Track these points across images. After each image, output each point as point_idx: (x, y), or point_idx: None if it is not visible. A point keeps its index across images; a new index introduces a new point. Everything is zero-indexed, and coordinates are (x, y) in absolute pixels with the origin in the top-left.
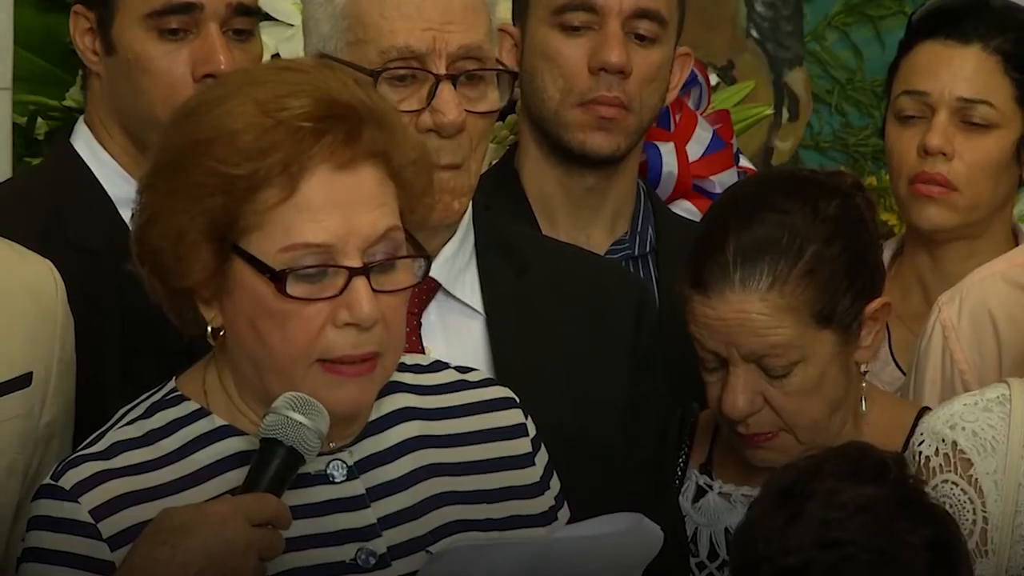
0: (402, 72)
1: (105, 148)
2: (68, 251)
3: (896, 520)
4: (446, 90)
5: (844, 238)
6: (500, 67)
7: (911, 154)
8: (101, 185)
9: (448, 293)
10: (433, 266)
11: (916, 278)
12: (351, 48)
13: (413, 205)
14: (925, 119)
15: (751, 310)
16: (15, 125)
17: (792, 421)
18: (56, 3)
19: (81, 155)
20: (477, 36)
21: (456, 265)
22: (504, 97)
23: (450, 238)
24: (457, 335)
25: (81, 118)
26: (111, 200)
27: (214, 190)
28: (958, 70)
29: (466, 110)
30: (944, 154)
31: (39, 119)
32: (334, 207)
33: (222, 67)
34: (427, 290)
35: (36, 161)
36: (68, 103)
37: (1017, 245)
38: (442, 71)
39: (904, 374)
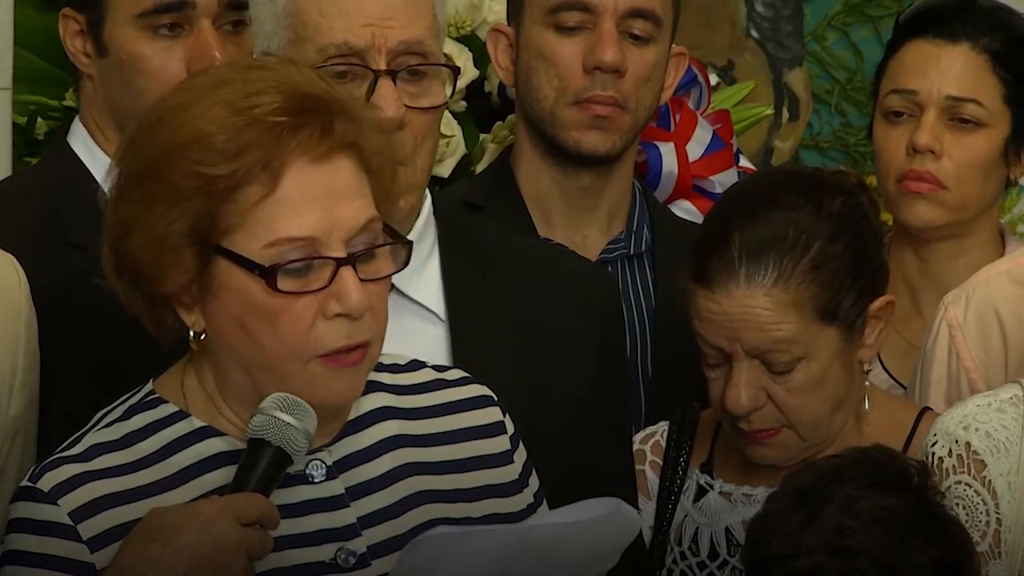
0: (341, 69)
1: (102, 149)
2: (67, 251)
3: (910, 537)
4: (385, 86)
5: (848, 236)
6: (443, 63)
7: (899, 152)
8: (99, 184)
9: (402, 293)
10: None
11: (903, 279)
12: (291, 46)
13: (384, 193)
14: (913, 117)
15: (756, 305)
16: (15, 125)
17: (794, 418)
18: (56, 3)
19: (78, 154)
20: (418, 31)
21: (411, 264)
22: (460, 95)
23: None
24: (412, 337)
25: (77, 117)
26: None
27: (193, 193)
28: (947, 68)
29: (408, 106)
30: (933, 152)
31: (39, 119)
32: (315, 200)
33: (217, 63)
34: None
35: (36, 161)
36: (68, 103)
37: (1004, 245)
38: (381, 67)
39: (892, 377)
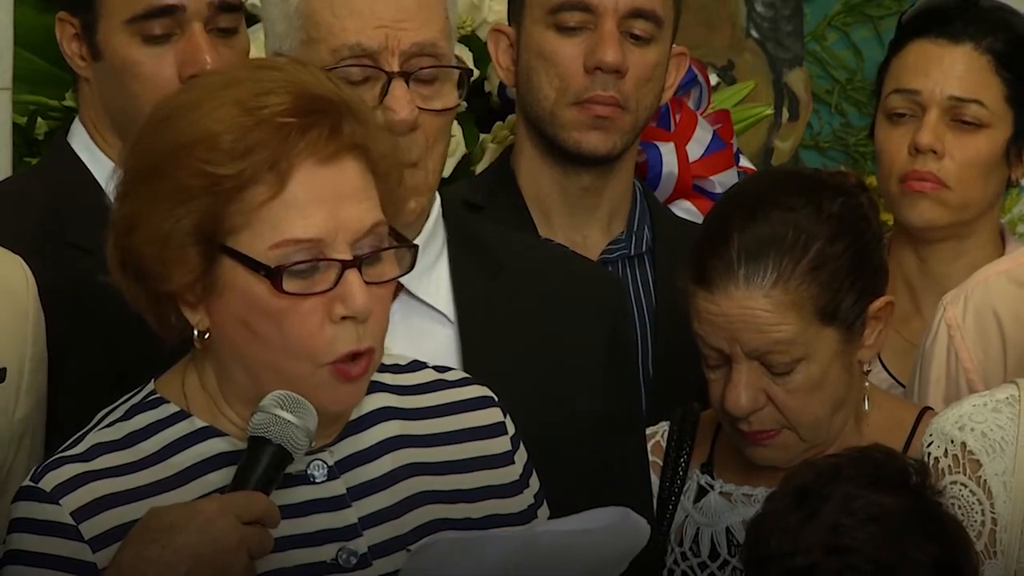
0: (354, 70)
1: (101, 150)
2: (67, 251)
3: (906, 534)
4: (398, 88)
5: (848, 236)
6: (456, 65)
7: (901, 152)
8: (99, 184)
9: (411, 294)
10: None
11: (903, 279)
12: (304, 47)
13: (390, 196)
14: (916, 117)
15: (755, 307)
16: (15, 125)
17: (794, 419)
18: (56, 3)
19: (79, 154)
20: (431, 33)
21: (420, 265)
22: (461, 95)
23: (413, 237)
24: (421, 338)
25: (77, 118)
26: (109, 200)
27: (200, 192)
28: (949, 69)
29: (421, 108)
30: (935, 152)
31: (39, 119)
32: (321, 202)
33: (208, 67)
34: None
35: (36, 161)
36: (68, 103)
37: (1004, 245)
38: (395, 69)
39: (892, 377)
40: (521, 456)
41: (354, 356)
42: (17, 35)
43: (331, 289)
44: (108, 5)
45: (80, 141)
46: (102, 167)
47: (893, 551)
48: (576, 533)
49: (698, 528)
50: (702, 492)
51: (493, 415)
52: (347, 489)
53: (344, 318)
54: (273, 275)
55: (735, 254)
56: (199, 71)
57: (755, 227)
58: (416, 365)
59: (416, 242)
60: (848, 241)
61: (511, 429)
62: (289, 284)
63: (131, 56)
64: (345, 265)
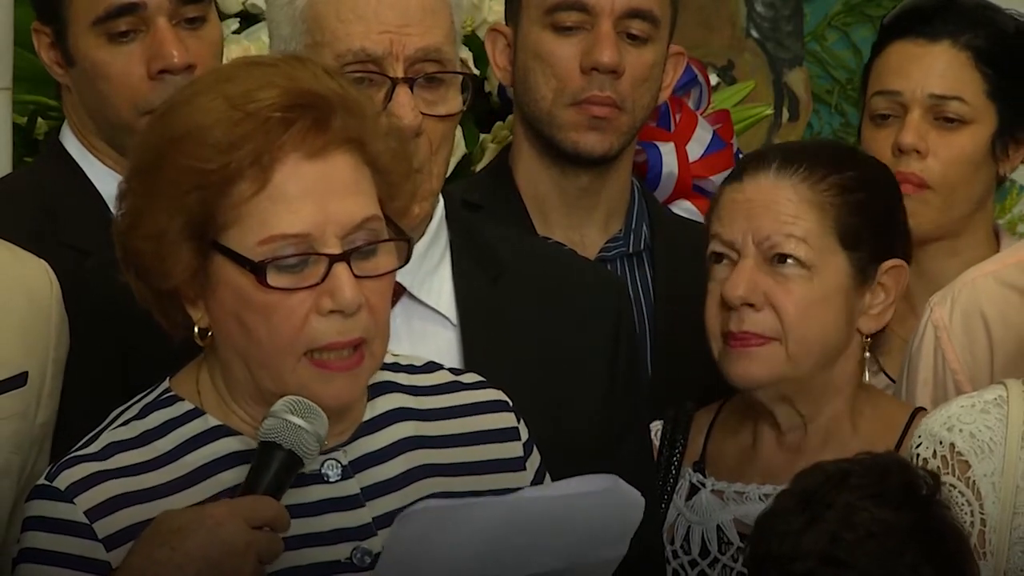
0: (358, 75)
1: (92, 154)
2: (61, 251)
3: (903, 554)
4: (402, 93)
5: (883, 188)
6: (460, 70)
7: (886, 154)
8: (93, 184)
9: (413, 297)
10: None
11: None
12: (309, 51)
13: (393, 192)
14: (899, 118)
15: (780, 196)
16: (15, 125)
17: (787, 327)
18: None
19: (72, 154)
20: (436, 39)
21: (423, 269)
22: (466, 100)
23: (416, 241)
24: (423, 341)
25: (66, 121)
26: (103, 199)
27: (190, 187)
28: (928, 67)
29: (425, 113)
30: (918, 152)
31: (39, 119)
32: (309, 196)
33: (175, 60)
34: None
35: (32, 161)
36: None
37: (998, 244)
38: (399, 74)
39: (888, 377)
40: (533, 463)
41: (338, 347)
42: (17, 35)
43: (320, 283)
44: (74, 10)
45: (72, 144)
46: (94, 167)
47: (888, 570)
48: (564, 498)
49: (689, 526)
50: (694, 490)
51: (507, 419)
52: (361, 489)
53: (332, 312)
54: (257, 270)
55: (772, 154)
56: (167, 66)
57: (800, 145)
58: (432, 367)
59: (419, 246)
60: (881, 190)
61: (524, 435)
62: (276, 279)
63: (99, 57)
64: (333, 259)
